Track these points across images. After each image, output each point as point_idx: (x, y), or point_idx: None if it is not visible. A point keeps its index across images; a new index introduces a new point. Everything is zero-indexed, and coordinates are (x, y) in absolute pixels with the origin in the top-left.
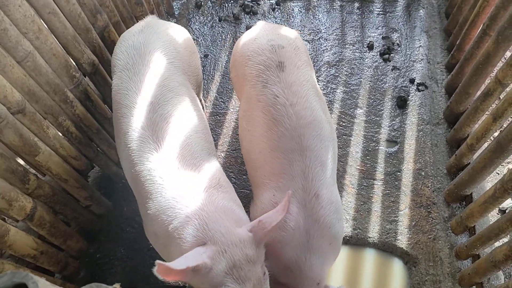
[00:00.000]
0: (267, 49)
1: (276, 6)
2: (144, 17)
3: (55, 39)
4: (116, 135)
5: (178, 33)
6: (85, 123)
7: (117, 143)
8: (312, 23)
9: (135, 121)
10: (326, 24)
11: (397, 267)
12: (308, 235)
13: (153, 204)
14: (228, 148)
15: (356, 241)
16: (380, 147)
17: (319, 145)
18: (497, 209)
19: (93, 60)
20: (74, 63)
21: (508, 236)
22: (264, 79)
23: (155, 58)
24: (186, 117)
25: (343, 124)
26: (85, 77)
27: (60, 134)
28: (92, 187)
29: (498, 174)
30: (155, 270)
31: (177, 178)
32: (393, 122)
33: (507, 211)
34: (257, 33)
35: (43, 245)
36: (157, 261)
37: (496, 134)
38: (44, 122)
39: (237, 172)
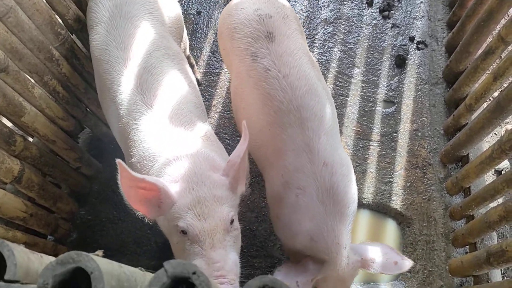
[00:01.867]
0: (254, 20)
1: None
2: None
3: None
4: (99, 91)
5: None
6: (72, 82)
7: (101, 99)
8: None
9: (119, 75)
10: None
11: (391, 228)
12: (324, 205)
13: (137, 151)
14: (222, 109)
15: None
16: (377, 108)
17: (319, 113)
18: (493, 170)
19: (79, 16)
20: (59, 19)
21: (504, 197)
22: (253, 53)
23: (133, 9)
24: (172, 70)
25: (340, 84)
26: (71, 34)
27: (47, 94)
28: (82, 148)
29: (496, 134)
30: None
31: (163, 126)
32: (391, 81)
33: (503, 172)
34: (243, 2)
35: (32, 207)
36: (118, 160)
37: (496, 94)
38: (29, 81)
39: (231, 133)
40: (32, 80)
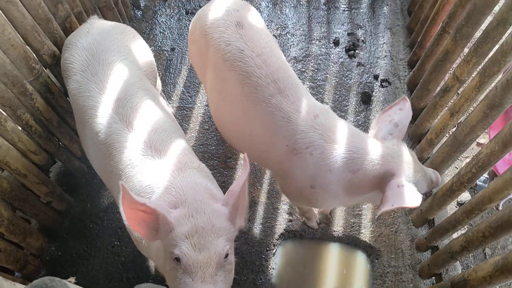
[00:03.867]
0: (223, 13)
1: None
2: (106, 9)
3: (14, 29)
4: (83, 135)
5: (125, 30)
6: (46, 116)
7: (87, 143)
8: (279, 18)
9: (106, 118)
10: (293, 19)
11: (361, 260)
12: (337, 141)
13: (133, 185)
14: (196, 143)
15: (322, 235)
16: None
17: (294, 82)
18: (455, 202)
19: (54, 51)
20: (33, 54)
21: (465, 227)
22: (226, 39)
23: (110, 56)
24: (155, 107)
25: None
26: (45, 69)
27: (19, 128)
28: (54, 182)
29: (457, 168)
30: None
31: (158, 159)
32: (358, 117)
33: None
34: (212, 5)
35: (1, 242)
36: (121, 182)
37: (454, 129)
38: (1, 115)
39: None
40: (5, 114)
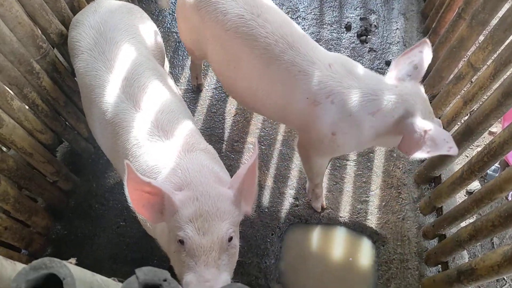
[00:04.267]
0: None
1: None
2: None
3: (21, 7)
4: (90, 114)
5: (132, 10)
6: (52, 95)
7: (93, 122)
8: (291, 1)
9: (113, 97)
10: (304, 2)
11: (366, 246)
12: (358, 81)
13: (139, 165)
14: (203, 126)
15: (328, 220)
16: None
17: (301, 34)
18: (464, 191)
19: (62, 30)
20: (41, 33)
21: (474, 216)
22: (222, 9)
23: (117, 35)
24: (162, 88)
25: None
26: (53, 48)
27: (26, 107)
28: (60, 162)
29: (467, 157)
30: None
31: (165, 139)
32: None
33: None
34: None
35: (7, 220)
36: (126, 161)
37: (466, 117)
38: (8, 93)
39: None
40: (12, 92)
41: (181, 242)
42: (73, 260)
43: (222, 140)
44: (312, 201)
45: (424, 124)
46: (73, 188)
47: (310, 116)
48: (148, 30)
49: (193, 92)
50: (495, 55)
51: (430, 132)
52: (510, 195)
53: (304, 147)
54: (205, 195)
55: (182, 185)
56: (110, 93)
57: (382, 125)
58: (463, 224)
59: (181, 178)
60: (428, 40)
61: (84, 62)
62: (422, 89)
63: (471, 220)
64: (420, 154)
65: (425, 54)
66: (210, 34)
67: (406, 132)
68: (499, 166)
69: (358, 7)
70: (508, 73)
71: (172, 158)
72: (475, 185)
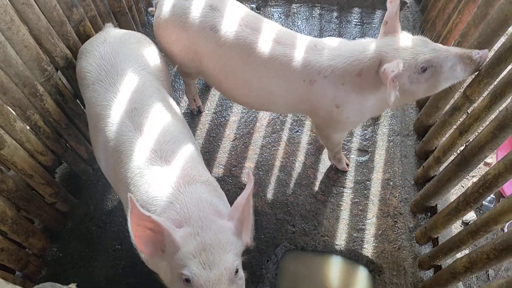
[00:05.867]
0: (195, 6)
1: (256, 11)
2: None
3: (28, 30)
4: (96, 143)
5: (141, 40)
6: (54, 117)
7: (99, 150)
8: (291, 28)
9: (121, 126)
10: (304, 31)
11: (362, 275)
12: (356, 46)
13: (140, 195)
14: (201, 150)
15: (324, 248)
16: (351, 156)
17: (282, 29)
18: (460, 221)
19: (67, 54)
20: (46, 56)
21: (469, 248)
22: (212, 25)
23: (128, 66)
24: (170, 118)
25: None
26: (57, 71)
27: (28, 128)
28: (59, 183)
29: (463, 187)
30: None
31: (167, 171)
32: (365, 131)
33: (469, 224)
34: (173, 4)
35: (4, 241)
36: (130, 195)
37: (462, 148)
38: (11, 115)
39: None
40: (15, 114)
41: (187, 280)
42: (73, 285)
43: (221, 165)
44: (336, 164)
45: (386, 65)
46: (71, 210)
47: (312, 96)
48: (156, 59)
49: (193, 117)
50: (490, 88)
51: (385, 66)
52: (506, 227)
53: (321, 130)
54: (206, 229)
55: (181, 221)
56: (119, 122)
57: (371, 83)
58: (459, 255)
59: (179, 213)
60: None
61: (95, 93)
62: (401, 36)
63: (466, 252)
64: (389, 92)
65: (391, 5)
66: (203, 51)
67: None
68: (494, 197)
69: (357, 36)
70: (503, 106)
71: (171, 191)
72: (470, 215)
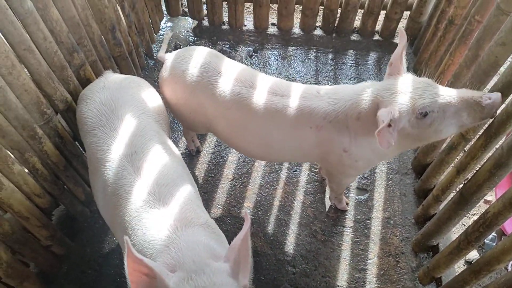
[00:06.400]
0: (201, 70)
1: (253, 54)
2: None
3: (29, 75)
4: (96, 186)
5: (140, 84)
6: (53, 159)
7: (99, 194)
8: (288, 71)
9: (121, 169)
10: (301, 73)
11: None
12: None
13: (137, 239)
14: (200, 191)
15: None
16: (350, 195)
17: (283, 82)
18: (463, 260)
19: (66, 97)
20: (46, 100)
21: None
22: (220, 90)
23: (128, 111)
24: (169, 161)
25: (315, 170)
26: (56, 114)
27: (26, 170)
28: (55, 226)
29: (464, 225)
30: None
31: (164, 215)
32: None
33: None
34: (177, 69)
35: None
36: (126, 238)
37: (460, 186)
38: (9, 158)
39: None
40: (13, 156)
41: None
42: None
43: (219, 205)
44: (336, 204)
45: (380, 112)
46: (66, 253)
47: (320, 142)
48: (155, 102)
49: (191, 157)
50: (485, 126)
51: (379, 113)
52: (509, 265)
53: (333, 176)
54: (199, 273)
55: (175, 266)
56: (119, 166)
57: (371, 126)
58: None
59: (174, 258)
60: (402, 30)
61: (96, 138)
62: (401, 79)
63: None
64: (379, 141)
65: (398, 48)
66: (212, 112)
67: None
68: (495, 235)
69: (352, 77)
70: (499, 144)
71: (168, 234)
72: (473, 254)
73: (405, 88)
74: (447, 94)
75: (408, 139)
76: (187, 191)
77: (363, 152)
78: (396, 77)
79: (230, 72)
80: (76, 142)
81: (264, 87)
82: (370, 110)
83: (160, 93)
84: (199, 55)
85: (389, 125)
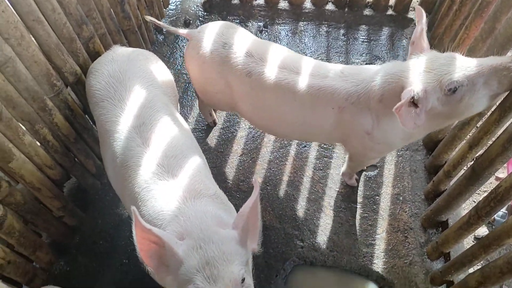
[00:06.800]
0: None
1: (263, 29)
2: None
3: (38, 46)
4: (106, 158)
5: (148, 57)
6: (63, 132)
7: (109, 165)
8: (298, 46)
9: (130, 141)
10: (312, 48)
11: None
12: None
13: (146, 210)
14: (209, 165)
15: (333, 263)
16: (360, 171)
17: (309, 61)
18: (472, 237)
19: (76, 70)
20: (55, 72)
21: (482, 262)
22: (246, 71)
23: (136, 82)
24: (178, 133)
25: (325, 146)
26: (67, 87)
27: (37, 142)
28: (66, 197)
29: (474, 202)
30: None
31: (174, 186)
32: None
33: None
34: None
35: (11, 254)
36: (133, 207)
37: (472, 162)
38: (20, 129)
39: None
40: (24, 128)
41: None
42: None
43: (228, 180)
44: (345, 179)
45: (403, 93)
46: (78, 224)
47: (342, 124)
48: (164, 75)
49: (201, 132)
50: (499, 100)
51: (402, 94)
52: None
53: (356, 158)
54: (208, 241)
55: (183, 234)
56: (127, 137)
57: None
58: (471, 270)
59: (182, 226)
60: (418, 7)
61: (105, 109)
62: (424, 57)
63: (479, 266)
64: (401, 121)
65: (418, 27)
66: (238, 93)
67: None
68: (506, 212)
69: (364, 53)
70: None
71: (177, 205)
72: (483, 231)
73: (430, 65)
74: (474, 64)
75: (439, 118)
76: (196, 162)
77: (387, 135)
78: (419, 56)
79: (259, 53)
80: (87, 115)
81: (289, 65)
82: (393, 92)
83: (187, 70)
84: (228, 34)
85: (416, 106)
